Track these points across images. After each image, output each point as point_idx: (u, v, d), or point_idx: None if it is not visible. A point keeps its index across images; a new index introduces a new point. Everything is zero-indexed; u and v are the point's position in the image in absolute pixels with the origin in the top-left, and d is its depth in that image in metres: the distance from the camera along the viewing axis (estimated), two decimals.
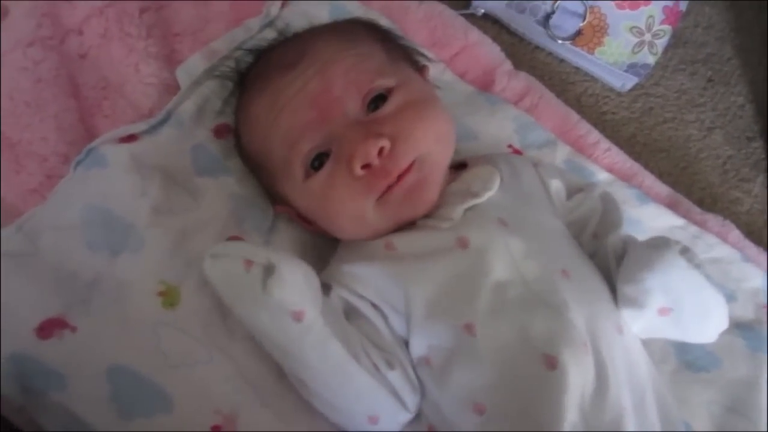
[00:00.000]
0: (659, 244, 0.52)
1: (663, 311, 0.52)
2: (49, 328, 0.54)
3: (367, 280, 0.56)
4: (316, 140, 0.56)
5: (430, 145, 0.55)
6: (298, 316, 0.48)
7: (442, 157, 0.57)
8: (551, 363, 0.48)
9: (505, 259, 0.52)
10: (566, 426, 0.46)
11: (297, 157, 0.56)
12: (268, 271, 0.47)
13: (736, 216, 0.80)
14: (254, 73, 0.63)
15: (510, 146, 0.73)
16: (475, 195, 0.56)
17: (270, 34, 0.69)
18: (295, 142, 0.56)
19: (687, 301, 0.52)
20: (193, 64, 0.67)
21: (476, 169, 0.60)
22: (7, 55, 0.62)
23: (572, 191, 0.64)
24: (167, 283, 0.57)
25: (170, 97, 0.66)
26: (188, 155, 0.64)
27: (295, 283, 0.48)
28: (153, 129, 0.63)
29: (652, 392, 0.52)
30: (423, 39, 0.77)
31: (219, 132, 0.66)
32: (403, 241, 0.56)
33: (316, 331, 0.49)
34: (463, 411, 0.51)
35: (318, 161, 0.56)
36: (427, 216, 0.56)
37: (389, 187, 0.54)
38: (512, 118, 0.74)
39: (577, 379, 0.47)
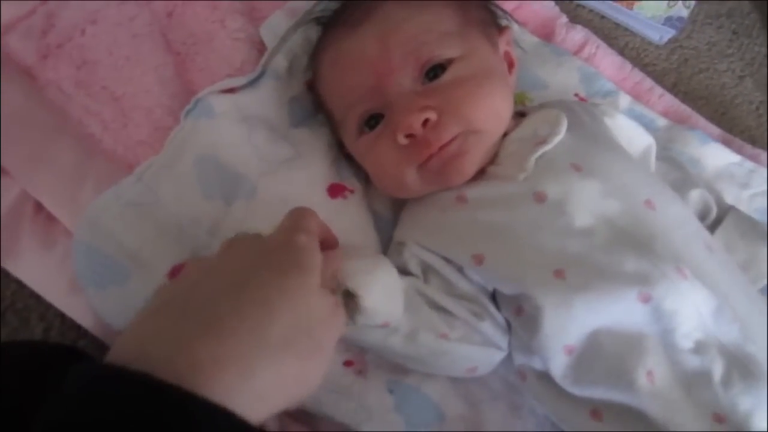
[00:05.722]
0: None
1: None
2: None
3: (438, 234, 0.56)
4: (371, 103, 0.57)
5: (478, 121, 0.55)
6: (382, 326, 0.50)
7: (489, 133, 0.56)
8: (645, 298, 0.48)
9: (586, 205, 0.52)
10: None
11: (353, 116, 0.58)
12: (349, 293, 0.47)
13: None
14: (328, 25, 0.64)
15: (576, 95, 0.76)
16: (544, 142, 0.56)
17: None
18: (352, 102, 0.58)
19: None
20: (276, 22, 0.68)
21: (541, 113, 0.60)
22: (102, 11, 0.62)
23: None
24: None
25: (258, 52, 0.66)
26: (286, 107, 0.65)
27: (377, 303, 0.48)
28: (251, 83, 0.63)
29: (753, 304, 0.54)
30: None
31: (310, 86, 0.67)
32: (476, 193, 0.56)
33: (402, 330, 0.51)
34: (553, 352, 0.51)
35: (374, 120, 0.58)
36: (496, 164, 0.57)
37: (430, 157, 0.54)
38: (577, 69, 0.77)
39: (677, 305, 0.48)
